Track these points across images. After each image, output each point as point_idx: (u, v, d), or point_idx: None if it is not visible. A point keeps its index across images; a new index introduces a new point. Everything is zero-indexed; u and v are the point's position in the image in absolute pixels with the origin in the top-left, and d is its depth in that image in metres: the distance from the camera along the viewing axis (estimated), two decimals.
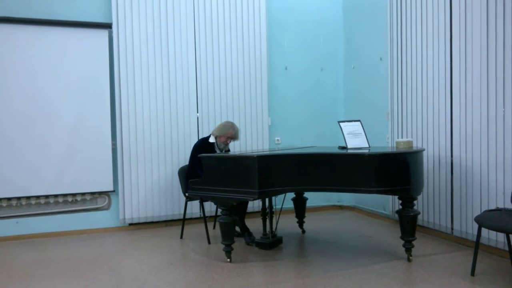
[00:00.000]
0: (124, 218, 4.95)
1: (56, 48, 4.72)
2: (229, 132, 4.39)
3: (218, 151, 4.42)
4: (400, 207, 3.53)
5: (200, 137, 5.07)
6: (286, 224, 4.76)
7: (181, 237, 4.55)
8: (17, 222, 4.69)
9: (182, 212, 4.70)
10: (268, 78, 5.52)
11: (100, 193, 4.97)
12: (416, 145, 4.40)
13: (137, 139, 4.96)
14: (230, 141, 4.46)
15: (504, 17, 3.42)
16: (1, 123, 4.55)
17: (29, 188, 4.64)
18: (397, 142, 3.75)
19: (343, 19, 5.91)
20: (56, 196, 4.78)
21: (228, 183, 3.49)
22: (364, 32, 5.45)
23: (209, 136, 4.50)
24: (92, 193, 4.92)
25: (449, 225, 4.08)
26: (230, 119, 5.22)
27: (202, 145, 4.40)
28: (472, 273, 3.15)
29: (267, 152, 3.76)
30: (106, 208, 5.02)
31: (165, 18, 5.06)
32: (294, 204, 4.66)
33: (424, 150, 3.72)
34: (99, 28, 4.86)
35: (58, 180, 4.72)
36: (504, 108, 3.45)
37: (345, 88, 5.90)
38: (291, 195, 4.64)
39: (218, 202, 3.91)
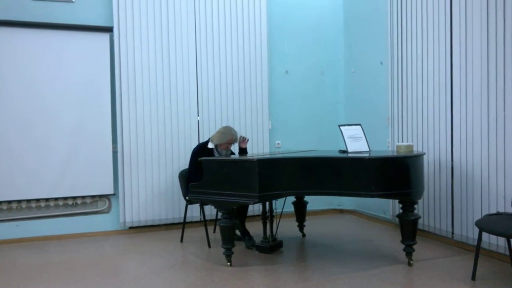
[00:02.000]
0: (125, 222, 4.95)
1: (57, 52, 4.73)
2: (229, 139, 4.36)
3: (217, 155, 4.39)
4: (401, 211, 3.52)
5: (200, 141, 5.07)
6: (286, 228, 4.76)
7: (182, 241, 4.55)
8: (17, 225, 4.69)
9: (183, 215, 4.70)
10: (268, 82, 5.53)
11: (101, 196, 4.97)
12: (417, 149, 4.40)
13: (137, 143, 4.96)
14: (231, 146, 4.46)
15: (504, 23, 3.43)
16: (1, 126, 4.56)
17: (29, 191, 4.64)
18: (397, 146, 3.76)
19: (343, 23, 5.93)
20: (56, 199, 4.78)
21: (228, 186, 3.49)
22: (364, 37, 5.47)
23: (207, 141, 4.49)
24: (93, 196, 4.92)
25: (449, 229, 4.07)
26: (231, 123, 5.24)
27: (201, 151, 4.38)
28: (473, 278, 3.15)
29: (268, 156, 3.76)
30: (107, 211, 5.02)
31: (166, 22, 5.08)
32: (295, 207, 4.65)
33: (424, 154, 3.72)
34: (100, 32, 4.87)
35: (59, 183, 4.72)
36: (504, 112, 3.46)
37: (346, 92, 5.91)
38: (292, 198, 4.63)
39: (218, 205, 3.90)
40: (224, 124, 5.23)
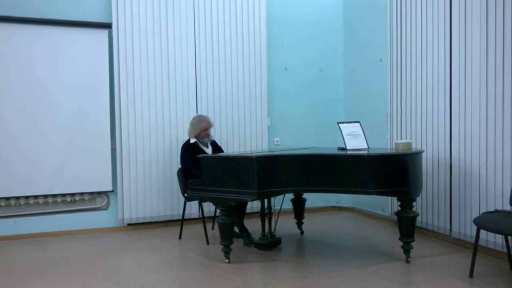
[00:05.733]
0: (123, 218, 4.95)
1: (56, 48, 4.71)
2: (203, 125, 4.53)
3: (203, 147, 4.55)
4: (399, 208, 3.53)
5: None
6: (284, 225, 4.76)
7: (180, 238, 4.55)
8: (15, 222, 4.69)
9: (181, 212, 4.70)
10: (267, 78, 5.52)
11: (99, 193, 4.96)
12: (415, 146, 4.40)
13: (136, 139, 4.95)
14: (210, 131, 4.60)
15: (503, 19, 3.43)
16: (2, 122, 4.54)
17: (28, 188, 4.63)
18: (396, 144, 3.75)
19: (343, 19, 5.92)
20: (54, 196, 4.77)
21: (227, 183, 3.49)
22: (364, 33, 5.46)
23: (189, 139, 4.60)
24: (91, 193, 4.92)
25: (447, 227, 4.08)
26: (229, 120, 5.31)
27: (188, 147, 4.52)
28: (471, 275, 3.15)
29: (266, 153, 3.76)
30: (105, 208, 5.02)
31: (165, 18, 5.06)
32: (293, 205, 4.66)
33: (423, 151, 3.73)
34: (99, 28, 4.85)
35: (57, 180, 4.71)
36: (503, 109, 3.45)
37: (345, 89, 5.90)
38: (290, 196, 4.64)
39: (217, 202, 3.91)
40: (223, 122, 5.28)
